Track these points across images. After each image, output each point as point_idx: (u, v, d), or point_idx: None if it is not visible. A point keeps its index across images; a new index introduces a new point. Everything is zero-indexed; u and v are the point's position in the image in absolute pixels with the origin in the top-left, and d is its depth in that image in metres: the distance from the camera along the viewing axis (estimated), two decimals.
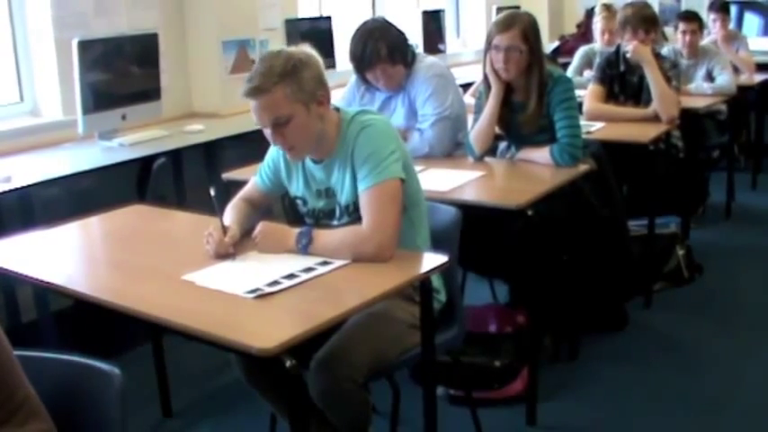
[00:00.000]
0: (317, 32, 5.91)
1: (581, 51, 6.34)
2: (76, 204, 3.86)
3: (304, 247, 2.43)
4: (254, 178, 2.84)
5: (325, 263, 2.36)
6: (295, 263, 2.36)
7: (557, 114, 3.57)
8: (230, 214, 2.69)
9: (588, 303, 4.00)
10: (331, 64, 5.89)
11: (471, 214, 2.88)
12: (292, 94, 2.41)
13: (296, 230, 2.48)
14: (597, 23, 6.33)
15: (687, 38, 5.85)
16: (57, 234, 2.94)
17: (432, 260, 2.39)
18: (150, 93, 4.65)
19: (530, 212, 3.01)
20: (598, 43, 6.31)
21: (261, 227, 2.54)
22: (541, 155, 3.57)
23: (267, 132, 2.49)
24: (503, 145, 3.95)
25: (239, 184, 2.95)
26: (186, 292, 2.25)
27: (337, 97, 3.97)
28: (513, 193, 3.15)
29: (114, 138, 4.45)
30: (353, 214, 2.58)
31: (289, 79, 2.40)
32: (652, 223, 4.41)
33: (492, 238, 3.53)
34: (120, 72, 4.45)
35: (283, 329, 1.94)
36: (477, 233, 3.05)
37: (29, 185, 3.65)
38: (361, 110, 2.63)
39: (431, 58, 3.98)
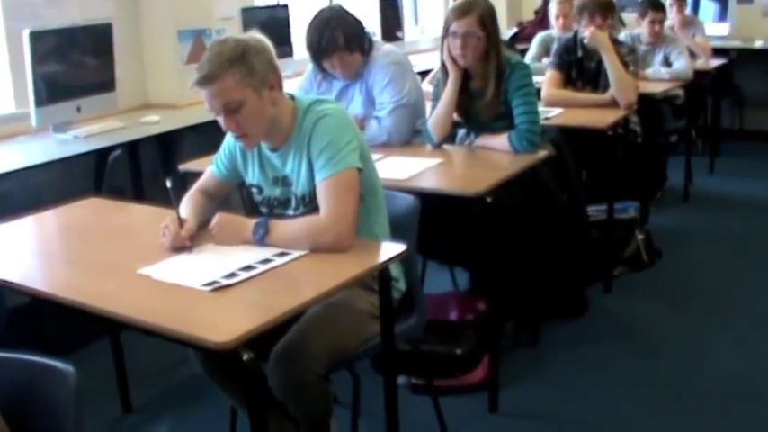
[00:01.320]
0: (275, 21, 5.86)
1: (539, 38, 6.35)
2: (31, 199, 3.81)
3: (261, 238, 2.40)
4: (210, 168, 2.81)
5: (282, 254, 2.34)
6: (252, 254, 2.34)
7: (515, 101, 3.57)
8: (186, 206, 2.66)
9: (548, 289, 4.01)
10: (288, 53, 5.85)
11: (430, 202, 2.87)
12: (242, 80, 2.38)
13: (253, 221, 2.45)
14: (552, 8, 6.34)
15: (656, 27, 5.88)
16: (11, 229, 2.88)
17: (390, 249, 2.38)
18: (105, 84, 4.58)
19: (488, 200, 3.01)
20: (555, 29, 6.31)
21: (217, 218, 2.51)
22: (500, 141, 3.57)
23: (219, 119, 2.46)
24: (461, 132, 3.94)
25: (196, 176, 2.91)
26: (143, 286, 2.21)
27: (294, 86, 3.96)
28: (472, 181, 3.14)
29: (69, 130, 4.38)
30: (309, 205, 2.56)
31: (238, 64, 2.38)
32: (611, 208, 4.43)
33: (451, 225, 3.52)
34: (74, 63, 4.38)
35: (241, 322, 1.92)
36: (437, 221, 3.04)
37: None
38: (316, 99, 2.61)
39: (388, 46, 3.97)
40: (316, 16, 3.77)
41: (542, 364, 3.70)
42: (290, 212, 2.64)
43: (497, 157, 3.51)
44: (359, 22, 3.82)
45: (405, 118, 3.77)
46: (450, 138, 3.85)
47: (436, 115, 3.70)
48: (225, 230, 2.48)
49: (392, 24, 7.06)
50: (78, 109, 4.42)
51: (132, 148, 4.58)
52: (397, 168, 3.30)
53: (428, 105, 3.92)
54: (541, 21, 8.14)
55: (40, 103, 4.17)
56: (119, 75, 4.70)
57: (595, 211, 4.54)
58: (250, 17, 5.60)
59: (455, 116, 3.76)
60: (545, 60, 5.86)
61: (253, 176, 2.71)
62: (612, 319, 4.15)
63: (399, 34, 7.18)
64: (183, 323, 1.95)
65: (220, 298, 2.09)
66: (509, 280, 3.60)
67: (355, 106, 3.84)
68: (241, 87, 2.39)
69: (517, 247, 3.68)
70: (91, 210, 3.09)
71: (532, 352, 3.81)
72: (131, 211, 3.09)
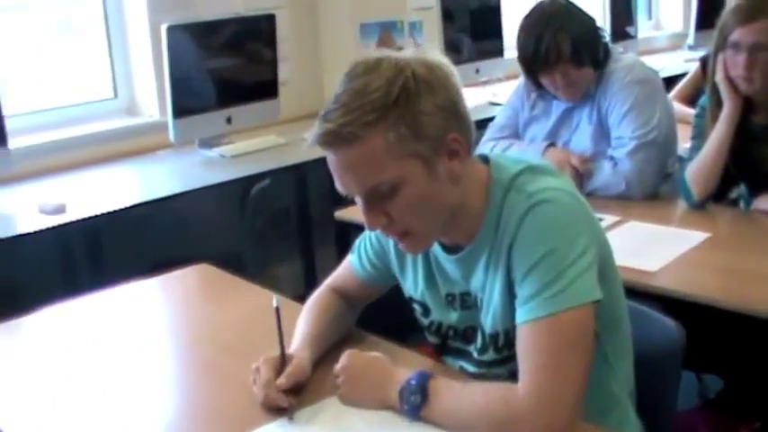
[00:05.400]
0: (482, 11, 4.85)
1: None
2: (166, 223, 3.33)
3: (414, 410, 1.40)
4: (351, 258, 1.80)
5: None
6: None
7: None
8: (307, 317, 1.70)
9: None
10: (498, 51, 4.84)
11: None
12: (401, 144, 1.37)
13: (403, 376, 1.45)
14: None
15: None
16: (74, 308, 2.09)
17: None
18: (264, 89, 3.75)
19: None
20: None
21: (347, 360, 1.52)
22: None
23: (358, 203, 1.46)
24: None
25: (360, 229, 1.87)
26: None
27: (501, 98, 3.22)
28: (759, 283, 2.02)
29: (216, 146, 3.57)
30: (504, 350, 1.52)
31: (395, 116, 1.36)
32: None
33: (707, 328, 2.42)
34: (225, 64, 3.59)
35: None
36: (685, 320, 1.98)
37: (82, 219, 2.81)
38: (526, 165, 1.52)
39: (631, 57, 2.89)
40: (533, 12, 2.76)
41: None
42: (474, 353, 1.60)
43: None
44: (591, 23, 2.78)
45: (651, 160, 2.68)
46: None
47: (701, 163, 2.57)
48: (358, 383, 1.49)
49: (622, 19, 5.90)
50: (228, 120, 3.60)
51: (297, 171, 3.70)
52: (641, 249, 2.22)
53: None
54: None
55: (179, 112, 3.39)
56: (284, 77, 3.89)
57: None
58: (453, 6, 4.61)
59: None
60: None
61: (414, 288, 1.67)
62: None
63: (630, 30, 6.00)
64: None
65: None
66: None
67: (581, 139, 2.80)
68: (397, 158, 1.38)
69: None
70: (191, 286, 2.23)
71: None
72: (242, 295, 2.09)
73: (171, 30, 3.27)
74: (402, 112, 1.36)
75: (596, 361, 1.46)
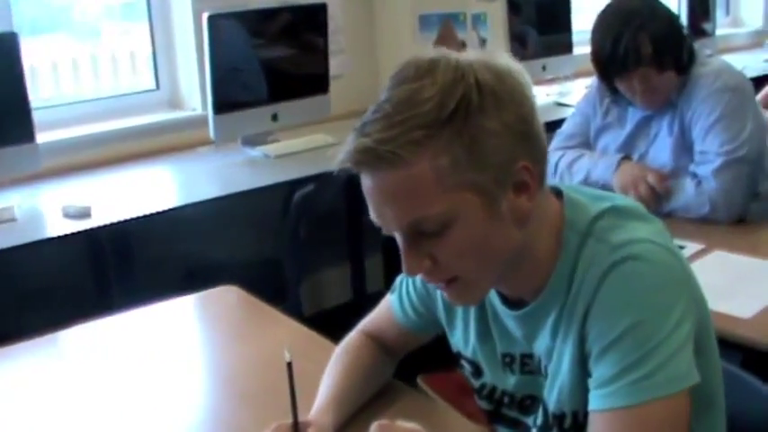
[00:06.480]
0: (551, 4, 4.61)
1: None
2: (199, 232, 3.13)
3: None
4: (390, 298, 1.52)
5: None
6: None
7: None
8: (333, 373, 1.44)
9: None
10: (566, 45, 4.60)
11: None
12: (455, 171, 1.09)
13: None
14: None
15: None
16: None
17: None
18: (314, 84, 3.51)
19: None
20: None
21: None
22: None
23: (398, 239, 1.17)
24: None
25: None
26: None
27: (572, 99, 3.18)
28: None
29: (260, 145, 3.34)
30: None
31: (450, 135, 1.08)
32: None
33: None
34: (272, 56, 3.36)
35: None
36: None
37: (108, 225, 2.59)
38: (611, 206, 1.22)
39: (718, 61, 2.58)
40: (609, 8, 2.47)
41: None
42: (533, 430, 1.31)
43: None
44: (676, 21, 2.49)
45: (740, 179, 2.37)
46: None
47: None
48: None
49: (698, 15, 5.57)
50: (274, 117, 3.37)
51: (346, 173, 3.46)
52: (729, 287, 1.92)
53: None
54: None
55: (220, 108, 3.18)
56: (335, 71, 3.66)
57: None
58: None
59: None
60: None
61: (464, 343, 1.39)
62: None
63: (707, 27, 5.68)
64: None
65: None
66: None
67: (660, 152, 2.51)
68: (449, 188, 1.09)
69: None
70: (213, 314, 1.99)
71: None
72: (269, 326, 1.83)
73: (213, 19, 3.04)
74: (459, 130, 1.08)
75: None
